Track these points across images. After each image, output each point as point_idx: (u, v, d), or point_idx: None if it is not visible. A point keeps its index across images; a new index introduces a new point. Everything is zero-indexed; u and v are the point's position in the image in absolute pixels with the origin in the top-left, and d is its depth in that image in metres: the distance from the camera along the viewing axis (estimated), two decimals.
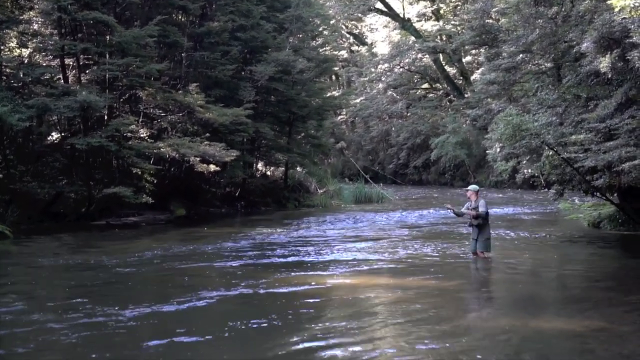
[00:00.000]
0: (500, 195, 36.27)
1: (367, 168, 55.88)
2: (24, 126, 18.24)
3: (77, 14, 19.73)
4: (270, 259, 13.73)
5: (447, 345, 7.42)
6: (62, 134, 22.38)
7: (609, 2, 13.23)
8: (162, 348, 7.37)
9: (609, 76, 14.76)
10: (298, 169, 32.75)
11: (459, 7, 49.91)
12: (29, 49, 21.95)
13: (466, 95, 48.34)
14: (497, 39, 24.19)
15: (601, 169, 15.13)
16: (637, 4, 12.55)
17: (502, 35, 23.34)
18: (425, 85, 57.35)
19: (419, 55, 52.50)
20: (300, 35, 30.23)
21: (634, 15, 12.85)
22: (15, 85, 20.76)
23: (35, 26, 21.69)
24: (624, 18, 13.24)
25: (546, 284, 11.94)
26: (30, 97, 19.49)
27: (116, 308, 8.97)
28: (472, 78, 48.10)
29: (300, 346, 7.36)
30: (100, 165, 22.25)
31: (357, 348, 7.30)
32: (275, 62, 25.84)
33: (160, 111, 23.54)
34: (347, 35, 62.86)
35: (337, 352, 7.16)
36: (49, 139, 23.11)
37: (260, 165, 32.28)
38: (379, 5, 53.78)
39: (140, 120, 22.41)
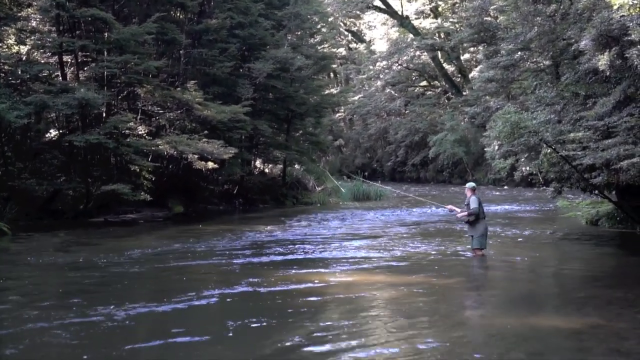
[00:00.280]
0: (499, 193, 36.30)
1: (365, 165, 55.97)
2: (22, 123, 18.24)
3: (76, 11, 19.73)
4: (269, 256, 13.71)
5: (445, 343, 7.42)
6: (60, 131, 22.35)
7: None
8: (158, 348, 7.28)
9: (608, 74, 14.76)
10: (296, 166, 32.75)
11: (457, 5, 49.92)
12: (27, 46, 21.94)
13: (464, 93, 48.38)
14: (496, 36, 24.21)
15: (599, 167, 15.12)
16: (635, 2, 12.55)
17: (500, 32, 23.37)
18: (424, 83, 57.37)
19: (417, 53, 52.54)
20: (299, 33, 30.23)
21: (633, 13, 12.86)
22: (14, 82, 20.72)
23: (34, 23, 21.68)
24: (623, 16, 13.25)
25: (544, 281, 11.95)
26: (28, 94, 19.46)
27: (111, 307, 8.85)
28: (470, 76, 48.13)
29: (299, 345, 7.33)
30: (98, 163, 22.23)
31: (355, 347, 7.28)
32: (273, 59, 25.84)
33: (159, 108, 23.53)
34: (346, 33, 62.86)
35: (336, 351, 7.14)
36: (47, 136, 23.09)
37: (258, 163, 32.27)
38: (378, 3, 53.79)
39: (139, 117, 22.42)
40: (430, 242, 15.87)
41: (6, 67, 20.58)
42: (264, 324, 8.18)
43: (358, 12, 57.34)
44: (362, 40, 63.72)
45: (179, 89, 22.44)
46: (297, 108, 29.00)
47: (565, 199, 22.72)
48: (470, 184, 13.82)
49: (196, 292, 9.92)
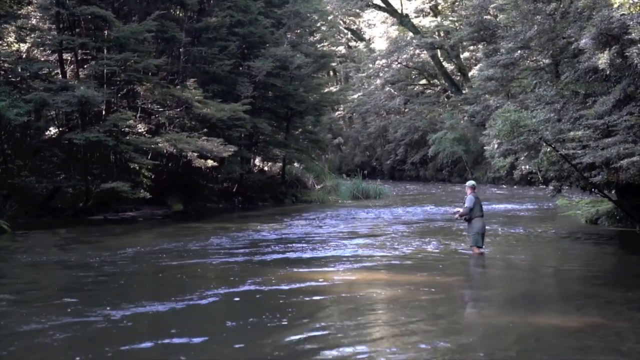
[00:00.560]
0: (498, 192, 36.30)
1: (365, 164, 55.97)
2: (22, 121, 18.25)
3: (75, 9, 19.73)
4: (268, 255, 13.70)
5: (445, 342, 7.42)
6: (60, 129, 22.36)
7: None
8: (155, 348, 7.18)
9: (608, 72, 14.76)
10: (295, 164, 32.74)
11: (457, 3, 49.86)
12: (27, 44, 21.95)
13: (464, 92, 48.36)
14: (496, 35, 24.21)
15: (599, 166, 15.13)
16: (636, 0, 12.55)
17: (500, 31, 23.36)
18: (423, 81, 57.34)
19: (417, 51, 52.48)
20: (298, 31, 30.23)
21: (633, 12, 12.85)
22: (14, 80, 20.74)
23: (34, 21, 21.69)
24: (623, 14, 13.24)
25: (544, 280, 11.95)
26: (28, 92, 19.46)
27: (109, 307, 8.77)
28: (470, 74, 48.11)
29: (300, 345, 7.31)
30: (98, 160, 22.24)
31: (356, 346, 7.27)
32: (273, 57, 25.84)
33: (158, 106, 23.54)
34: (345, 31, 62.84)
35: (337, 350, 7.11)
36: (46, 133, 23.11)
37: (257, 161, 32.27)
38: (377, 1, 53.76)
39: (138, 115, 22.41)
40: (430, 240, 15.87)
41: (6, 64, 20.60)
42: (264, 323, 8.14)
43: (357, 11, 57.33)
44: (361, 39, 63.70)
45: (178, 87, 22.44)
46: (296, 106, 29.00)
47: (564, 197, 22.73)
48: (470, 183, 13.88)
49: (195, 291, 9.89)
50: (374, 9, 56.42)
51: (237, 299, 9.60)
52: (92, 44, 20.70)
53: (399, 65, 54.22)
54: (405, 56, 52.97)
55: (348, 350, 7.09)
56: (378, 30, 61.24)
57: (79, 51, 21.32)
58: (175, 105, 22.66)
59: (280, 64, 26.50)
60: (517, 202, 28.38)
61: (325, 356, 6.94)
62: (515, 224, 19.73)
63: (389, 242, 15.70)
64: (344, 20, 60.80)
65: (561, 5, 17.30)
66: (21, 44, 22.15)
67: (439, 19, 51.39)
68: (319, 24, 33.44)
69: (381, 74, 55.39)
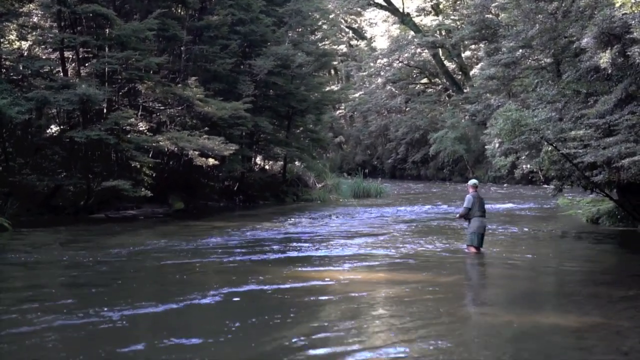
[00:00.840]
0: (499, 191, 36.30)
1: (366, 162, 55.98)
2: (23, 119, 18.24)
3: (77, 7, 19.71)
4: (269, 254, 13.69)
5: (447, 341, 7.42)
6: (61, 127, 22.36)
7: None
8: (151, 350, 7.05)
9: (609, 72, 14.76)
10: (297, 163, 32.74)
11: (458, 2, 49.88)
12: (29, 42, 21.95)
13: (465, 91, 48.35)
14: (497, 34, 24.21)
15: (600, 165, 15.13)
16: (638, 0, 12.54)
17: (501, 30, 23.37)
18: (424, 80, 57.34)
19: (418, 50, 52.49)
20: (300, 30, 30.20)
21: (635, 11, 12.84)
22: (15, 78, 20.74)
23: (35, 19, 21.68)
24: (625, 13, 13.23)
25: (544, 279, 11.95)
26: (29, 90, 19.45)
27: (105, 308, 8.59)
28: (471, 73, 48.11)
29: (301, 345, 7.28)
30: (99, 159, 22.24)
31: (357, 346, 7.25)
32: (274, 56, 25.83)
33: (159, 105, 23.53)
34: (347, 30, 62.84)
35: (338, 350, 7.09)
36: (48, 131, 23.11)
37: (258, 159, 32.26)
38: (379, 0, 53.72)
39: (139, 113, 22.41)
40: (431, 239, 15.88)
41: (7, 62, 20.60)
42: (266, 323, 8.12)
43: (359, 9, 57.32)
44: (363, 38, 63.69)
45: (179, 85, 22.42)
46: (297, 105, 28.98)
47: (565, 197, 22.73)
48: (472, 182, 13.93)
49: (196, 290, 9.84)
50: (375, 8, 56.42)
51: (238, 298, 9.53)
52: (94, 42, 20.70)
53: (400, 64, 54.23)
54: (406, 55, 52.98)
55: (349, 350, 7.08)
56: (379, 29, 61.25)
57: (81, 49, 21.30)
58: (177, 103, 22.65)
59: (282, 63, 26.49)
60: (518, 202, 28.38)
61: (327, 356, 6.93)
62: (516, 223, 19.73)
63: (390, 241, 15.70)
64: (346, 19, 60.79)
65: (563, 4, 17.30)
66: (22, 42, 22.16)
67: (440, 17, 51.40)
68: (320, 23, 33.40)
69: (382, 73, 55.40)
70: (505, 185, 40.92)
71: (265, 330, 7.77)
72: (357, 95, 56.47)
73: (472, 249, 13.51)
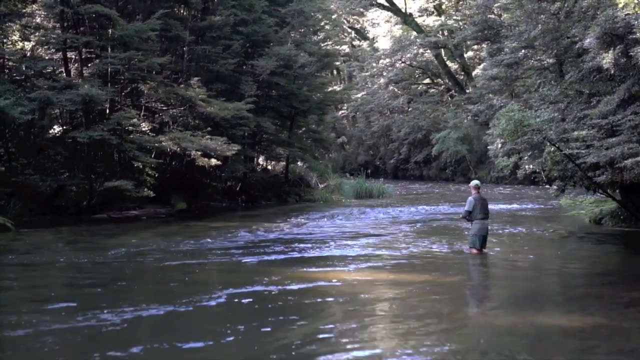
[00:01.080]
0: (502, 191, 36.27)
1: (368, 163, 55.97)
2: (26, 119, 18.27)
3: (80, 8, 19.74)
4: (271, 255, 13.66)
5: (450, 342, 7.42)
6: (64, 127, 22.40)
7: None
8: (149, 354, 7.01)
9: (612, 72, 14.75)
10: (299, 163, 32.74)
11: (461, 3, 49.82)
12: (32, 42, 21.99)
13: (468, 91, 48.32)
14: (499, 34, 24.18)
15: (603, 166, 15.11)
16: None
17: (504, 30, 23.34)
18: (427, 81, 57.32)
19: (421, 51, 52.46)
20: (302, 30, 30.22)
21: (638, 11, 12.83)
22: (18, 78, 20.78)
23: (38, 19, 21.74)
24: (628, 14, 13.23)
25: (547, 280, 11.95)
26: (32, 91, 19.48)
27: (105, 311, 8.47)
28: (473, 73, 48.06)
29: (303, 346, 7.27)
30: (101, 159, 22.26)
31: (360, 347, 7.25)
32: (276, 56, 25.84)
33: (162, 105, 23.54)
34: (349, 30, 62.82)
35: (341, 351, 7.06)
36: (50, 132, 23.15)
37: (261, 160, 32.28)
38: (381, 0, 53.73)
39: (142, 114, 22.43)
40: (434, 240, 15.87)
41: (10, 63, 20.65)
42: (268, 323, 8.08)
43: (361, 10, 57.29)
44: (365, 38, 63.67)
45: (182, 85, 22.44)
46: (300, 105, 28.99)
47: (568, 197, 22.70)
48: (474, 183, 13.91)
49: (199, 291, 9.81)
50: (377, 8, 56.39)
51: (242, 299, 9.45)
52: (96, 42, 20.71)
53: (402, 65, 54.21)
54: (409, 55, 52.95)
55: (352, 351, 7.06)
56: (382, 29, 61.18)
57: (83, 50, 21.32)
58: (179, 104, 22.66)
59: (284, 63, 26.50)
60: (521, 202, 28.37)
61: (330, 358, 6.91)
62: (518, 223, 19.72)
63: (393, 242, 15.70)
64: (348, 19, 60.77)
65: (565, 5, 17.29)
66: (25, 43, 22.20)
67: (442, 18, 51.36)
68: (322, 23, 33.41)
69: (385, 73, 55.38)
70: (507, 185, 40.85)
71: (268, 332, 7.75)
72: (359, 95, 56.44)
73: (474, 250, 13.53)
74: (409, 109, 55.80)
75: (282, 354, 6.96)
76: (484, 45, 32.48)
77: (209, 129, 22.13)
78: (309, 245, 15.10)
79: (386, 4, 54.13)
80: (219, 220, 20.92)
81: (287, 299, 9.55)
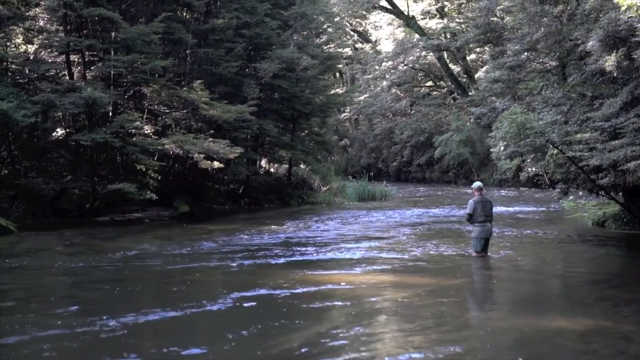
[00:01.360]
0: (504, 194, 36.24)
1: (371, 165, 55.95)
2: (29, 122, 18.27)
3: (83, 11, 19.77)
4: (275, 258, 13.65)
5: (452, 345, 7.42)
6: (67, 130, 22.40)
7: (615, 0, 13.21)
8: (154, 356, 6.99)
9: (615, 75, 14.77)
10: (302, 166, 32.74)
11: (463, 5, 49.80)
12: (35, 45, 22.03)
13: (470, 93, 48.26)
14: (502, 37, 24.18)
15: (606, 168, 15.10)
16: None
17: (507, 33, 23.33)
18: (429, 83, 57.27)
19: (423, 53, 52.46)
20: (305, 33, 30.22)
21: None
22: (21, 81, 20.79)
23: (41, 22, 21.76)
24: (630, 17, 13.23)
25: (550, 283, 11.94)
26: (35, 93, 19.51)
27: (104, 317, 8.33)
28: (476, 76, 48.01)
29: (305, 350, 7.25)
30: (104, 162, 22.26)
31: (363, 351, 7.26)
32: (279, 59, 25.85)
33: (165, 108, 23.54)
34: (352, 33, 62.81)
35: (344, 355, 7.09)
36: (53, 135, 23.15)
37: (263, 162, 32.27)
38: (384, 3, 53.71)
39: (145, 116, 22.45)
40: (437, 242, 15.86)
41: (14, 66, 20.67)
42: (272, 327, 8.07)
43: (364, 12, 57.26)
44: (368, 41, 63.67)
45: (185, 88, 22.45)
46: (302, 108, 28.98)
47: (571, 200, 22.69)
48: (476, 184, 13.91)
49: (201, 295, 9.80)
50: (380, 11, 56.36)
51: (245, 303, 9.38)
52: (100, 45, 20.74)
53: (405, 67, 54.19)
54: (411, 58, 52.94)
55: (356, 355, 7.07)
56: (384, 32, 61.15)
57: (86, 53, 21.36)
58: (182, 106, 22.67)
59: (287, 66, 26.51)
60: (524, 205, 28.34)
61: None
62: (521, 226, 19.70)
63: (397, 245, 15.69)
64: (351, 22, 60.77)
65: (568, 8, 17.30)
66: (29, 46, 22.23)
67: (445, 20, 51.32)
68: (325, 26, 33.43)
69: (387, 76, 55.37)
70: (510, 188, 40.81)
71: (272, 336, 7.73)
72: (362, 98, 56.44)
73: (477, 254, 13.52)
74: (412, 112, 55.76)
75: (283, 357, 6.95)
76: (487, 48, 32.48)
77: (211, 131, 22.14)
78: (313, 248, 15.10)
79: (389, 6, 54.11)
80: (222, 223, 20.91)
81: (291, 302, 9.53)
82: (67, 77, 21.03)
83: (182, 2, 23.53)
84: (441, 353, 7.08)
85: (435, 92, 56.51)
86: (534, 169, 19.44)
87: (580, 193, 21.35)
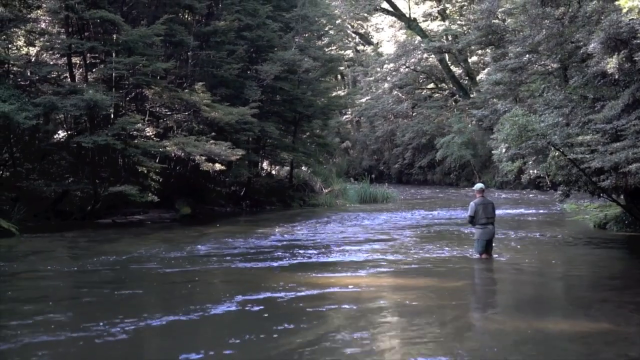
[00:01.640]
0: (506, 196, 36.22)
1: (372, 167, 55.95)
2: (30, 124, 18.29)
3: (85, 13, 19.80)
4: (277, 261, 13.62)
5: (454, 348, 7.41)
6: (69, 132, 22.42)
7: (616, 2, 13.21)
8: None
9: (616, 77, 14.74)
10: (303, 168, 32.77)
11: (465, 7, 49.83)
12: (37, 48, 22.06)
13: (472, 96, 48.22)
14: (504, 39, 24.16)
15: (608, 170, 15.09)
16: None
17: (508, 35, 23.33)
18: (431, 85, 57.28)
19: (425, 55, 52.45)
20: (306, 35, 30.25)
21: None
22: (23, 83, 20.83)
23: (43, 25, 21.79)
24: (632, 19, 13.22)
25: (551, 285, 11.92)
26: (37, 96, 19.55)
27: (101, 323, 8.14)
28: (477, 78, 48.00)
29: (307, 353, 7.23)
30: (106, 164, 22.28)
31: (365, 354, 7.26)
32: (281, 61, 25.88)
33: (166, 110, 23.58)
34: (353, 35, 62.82)
35: (344, 358, 7.10)
36: (55, 137, 23.16)
37: (265, 165, 32.31)
38: (385, 5, 53.70)
39: (146, 118, 22.46)
40: (440, 245, 15.85)
41: (15, 68, 20.69)
42: (273, 332, 8.02)
43: (365, 15, 57.25)
44: (369, 43, 63.70)
45: (186, 90, 22.46)
46: (304, 110, 29.01)
47: (573, 202, 22.66)
48: (478, 186, 13.91)
49: (203, 298, 9.77)
50: (381, 13, 56.34)
51: (247, 307, 9.29)
52: (101, 47, 20.78)
53: (406, 69, 54.20)
54: (413, 60, 52.94)
55: (358, 358, 7.06)
56: (386, 34, 61.18)
57: (88, 55, 21.40)
58: (184, 108, 22.69)
59: (288, 68, 26.54)
60: (525, 207, 28.31)
61: None
62: (523, 228, 19.69)
63: (399, 247, 15.68)
64: (352, 24, 60.79)
65: (570, 10, 17.29)
66: (30, 48, 22.27)
67: (447, 23, 51.30)
68: (327, 28, 33.47)
69: (389, 78, 55.37)
70: (512, 190, 40.79)
71: (274, 339, 7.72)
72: (363, 100, 56.44)
73: (480, 256, 13.50)
74: (413, 114, 55.78)
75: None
76: (488, 50, 32.46)
77: (213, 133, 22.17)
78: (315, 251, 15.09)
79: (390, 9, 54.10)
80: (224, 225, 20.91)
81: (295, 305, 9.49)
82: (69, 80, 21.06)
83: (184, 4, 23.55)
84: (444, 355, 7.07)
85: (436, 94, 56.52)
86: (535, 171, 19.38)
87: (582, 195, 21.33)
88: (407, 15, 53.44)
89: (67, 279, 11.91)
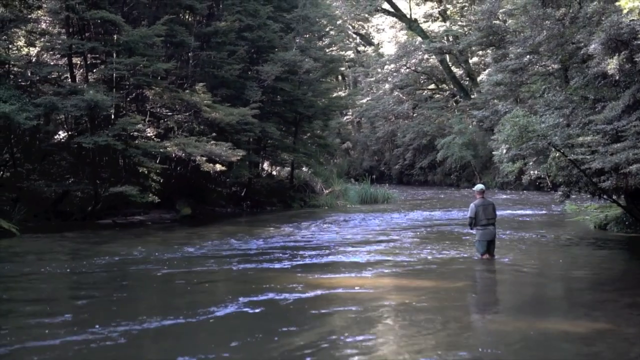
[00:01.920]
0: (507, 197, 36.20)
1: (373, 168, 55.97)
2: (31, 125, 18.30)
3: (85, 13, 19.82)
4: (277, 262, 13.62)
5: (455, 348, 7.41)
6: (69, 133, 22.43)
7: (617, 3, 13.19)
8: None
9: (617, 78, 14.71)
10: (304, 169, 32.77)
11: (466, 8, 49.84)
12: (37, 48, 22.08)
13: (473, 96, 48.22)
14: (504, 40, 24.19)
15: (608, 171, 15.07)
16: None
17: (509, 36, 23.35)
18: (432, 86, 57.28)
19: (426, 56, 52.45)
20: (307, 36, 30.26)
21: None
22: (23, 84, 20.85)
23: (43, 25, 21.81)
24: (633, 20, 13.20)
25: (552, 285, 11.91)
26: (37, 96, 19.56)
27: (98, 326, 8.04)
28: (478, 79, 48.00)
29: (308, 356, 7.19)
30: (106, 164, 22.29)
31: (365, 354, 7.25)
32: (281, 62, 25.89)
33: (167, 110, 23.59)
34: (354, 36, 62.84)
35: (346, 359, 7.09)
36: (55, 137, 23.18)
37: (266, 165, 32.30)
38: (386, 6, 53.74)
39: (147, 119, 22.47)
40: (441, 246, 15.83)
41: (16, 68, 20.72)
42: (274, 334, 7.99)
43: (366, 15, 57.28)
44: (370, 43, 63.73)
45: (187, 91, 22.47)
46: (305, 111, 29.02)
47: (573, 203, 22.64)
48: (478, 187, 13.90)
49: (203, 301, 9.73)
50: (382, 14, 56.38)
51: (248, 309, 9.23)
52: (102, 48, 20.80)
53: (407, 70, 54.21)
54: (413, 61, 52.95)
55: (360, 359, 7.06)
56: (387, 34, 61.23)
57: (89, 55, 21.41)
58: (184, 109, 22.70)
59: (289, 69, 26.56)
60: (526, 207, 28.29)
61: None
62: (523, 229, 19.67)
63: (399, 248, 15.67)
64: (353, 24, 60.79)
65: (570, 11, 17.27)
66: (31, 48, 22.28)
67: (447, 23, 51.33)
68: (327, 29, 33.48)
69: (390, 79, 55.38)
70: (513, 191, 40.78)
71: (275, 340, 7.70)
72: (364, 101, 56.46)
73: (482, 256, 13.49)
74: (414, 115, 55.80)
75: None
76: (489, 51, 32.52)
77: (213, 134, 22.17)
78: (316, 252, 15.08)
79: (391, 9, 54.12)
80: (224, 226, 20.91)
81: (297, 307, 9.46)
82: (70, 80, 21.07)
83: (185, 4, 23.57)
84: (445, 356, 7.06)
85: (437, 95, 56.52)
86: (536, 172, 19.35)
87: (582, 196, 21.31)
88: (408, 16, 53.47)
89: (67, 279, 11.90)
